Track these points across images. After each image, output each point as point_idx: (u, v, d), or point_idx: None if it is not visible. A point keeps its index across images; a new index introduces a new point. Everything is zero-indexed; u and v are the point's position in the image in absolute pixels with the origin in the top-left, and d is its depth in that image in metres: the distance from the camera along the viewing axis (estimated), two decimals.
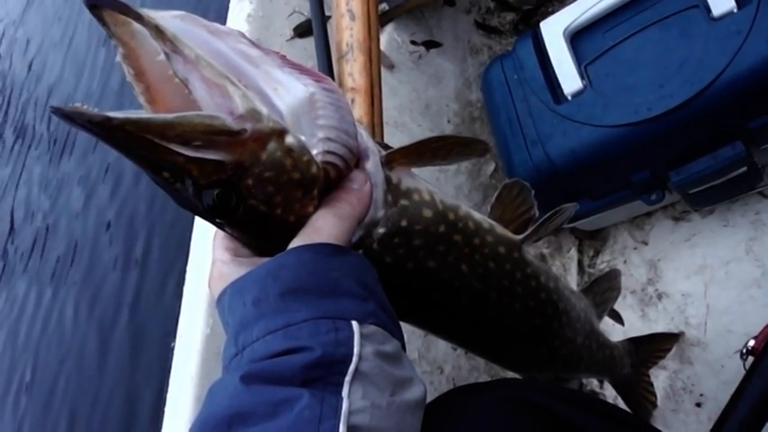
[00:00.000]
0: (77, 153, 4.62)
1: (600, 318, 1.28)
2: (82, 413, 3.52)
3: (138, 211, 3.81)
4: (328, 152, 0.73)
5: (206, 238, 1.44)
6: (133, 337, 3.40)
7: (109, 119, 0.61)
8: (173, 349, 1.49)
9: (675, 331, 1.68)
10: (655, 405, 1.54)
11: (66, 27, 5.50)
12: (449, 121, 2.12)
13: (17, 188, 5.27)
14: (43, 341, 4.11)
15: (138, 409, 3.14)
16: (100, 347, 3.60)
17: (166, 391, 1.45)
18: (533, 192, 1.01)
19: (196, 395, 1.38)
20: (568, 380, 1.24)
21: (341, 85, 1.35)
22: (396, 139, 1.91)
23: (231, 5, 1.87)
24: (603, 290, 1.31)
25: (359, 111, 1.33)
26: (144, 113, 0.67)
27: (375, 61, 1.39)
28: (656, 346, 1.54)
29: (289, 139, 0.70)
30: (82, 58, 5.03)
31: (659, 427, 1.60)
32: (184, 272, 1.54)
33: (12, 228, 5.07)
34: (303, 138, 0.72)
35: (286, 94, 0.72)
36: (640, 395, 1.49)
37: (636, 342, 1.47)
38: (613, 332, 1.61)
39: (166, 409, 1.43)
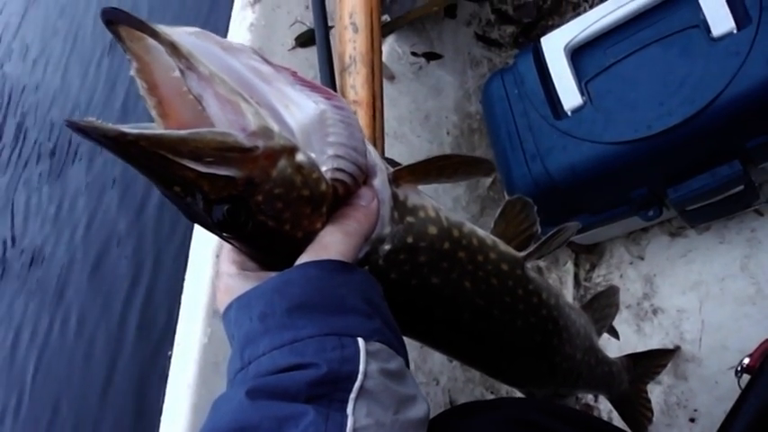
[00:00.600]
0: (77, 166, 4.60)
1: (599, 334, 1.28)
2: (79, 422, 3.51)
3: (136, 222, 3.80)
4: (338, 169, 0.74)
5: (204, 249, 1.44)
6: (130, 346, 3.39)
7: (123, 134, 0.62)
8: (170, 358, 1.49)
9: (670, 346, 1.69)
10: (651, 422, 1.55)
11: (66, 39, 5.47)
12: (448, 133, 2.13)
13: (15, 201, 5.25)
14: (39, 350, 4.10)
15: (135, 418, 3.12)
16: (97, 356, 3.59)
17: (163, 400, 1.45)
18: (536, 208, 1.02)
19: (193, 404, 1.38)
20: (566, 395, 1.24)
21: (343, 96, 1.36)
22: (395, 150, 1.92)
23: (233, 15, 1.87)
24: (603, 306, 1.31)
25: (360, 123, 1.33)
26: (156, 127, 0.67)
27: (377, 74, 1.39)
28: (653, 362, 1.55)
29: (299, 157, 0.71)
30: (85, 66, 5.01)
31: None
32: (182, 281, 1.54)
33: (12, 238, 5.04)
34: (313, 155, 0.72)
35: (297, 111, 0.72)
36: (638, 411, 1.50)
37: (634, 358, 1.48)
38: (609, 346, 1.61)
39: (163, 418, 1.43)
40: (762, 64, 1.37)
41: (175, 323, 1.52)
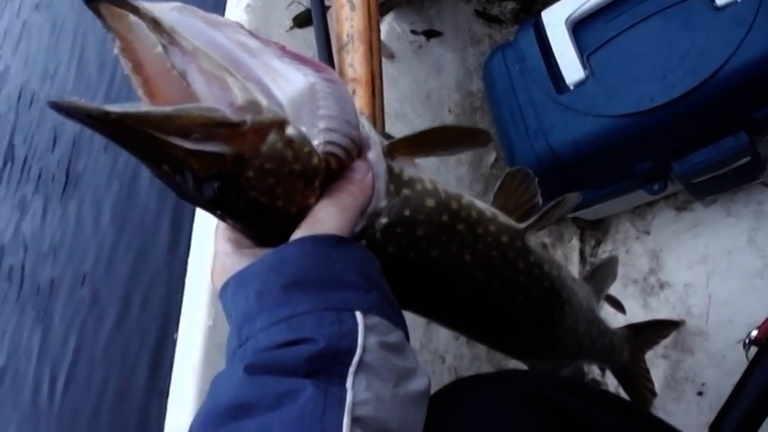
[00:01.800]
0: (85, 144, 4.60)
1: (597, 302, 1.28)
2: (85, 404, 3.53)
3: (139, 203, 3.80)
4: (329, 143, 0.73)
5: (207, 230, 1.44)
6: (135, 329, 3.40)
7: (107, 113, 0.61)
8: (175, 341, 1.49)
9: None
10: (653, 392, 1.54)
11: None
12: (450, 111, 2.11)
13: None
14: (43, 334, 4.12)
15: (142, 401, 3.14)
16: (102, 339, 3.61)
17: (169, 383, 1.45)
18: (537, 179, 1.01)
19: (199, 386, 1.38)
20: (567, 366, 1.24)
21: (342, 75, 1.35)
22: (396, 129, 1.89)
23: None
24: (603, 277, 1.31)
25: (360, 102, 1.32)
26: (143, 106, 0.66)
27: (376, 52, 1.38)
28: (654, 333, 1.55)
29: (289, 131, 0.69)
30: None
31: (660, 416, 1.61)
32: (186, 264, 1.54)
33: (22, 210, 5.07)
34: (304, 129, 0.71)
35: (286, 84, 0.71)
36: (638, 382, 1.49)
37: (634, 328, 1.48)
38: (615, 322, 1.61)
39: (170, 401, 1.43)
40: (766, 33, 1.35)
41: (180, 306, 1.53)
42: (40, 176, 5.00)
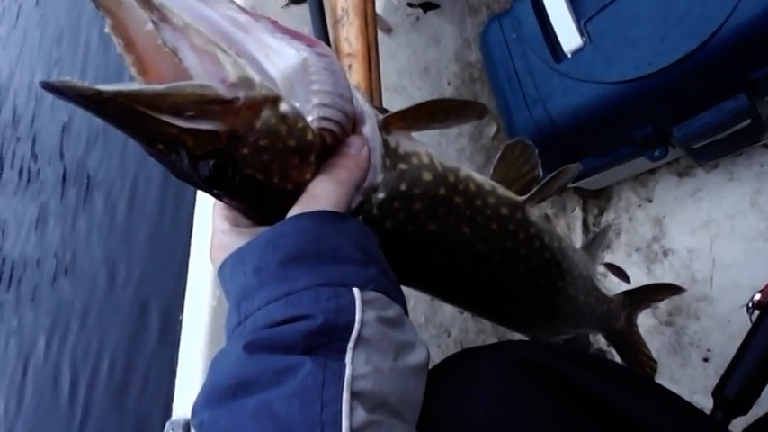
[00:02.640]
0: (82, 136, 4.59)
1: (594, 269, 1.29)
2: (93, 389, 3.56)
3: (141, 187, 3.80)
4: (324, 118, 0.73)
5: (208, 211, 1.43)
6: (140, 312, 3.43)
7: (99, 92, 0.61)
8: (180, 322, 1.50)
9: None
10: (650, 356, 1.52)
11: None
12: (449, 84, 2.10)
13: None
14: (48, 318, 4.15)
15: (149, 383, 3.17)
16: (108, 324, 3.63)
17: (176, 364, 1.46)
18: (537, 151, 1.00)
19: (205, 367, 1.39)
20: (568, 336, 1.25)
21: (337, 50, 1.34)
22: (395, 102, 1.88)
23: None
24: (599, 245, 1.32)
25: (356, 76, 1.32)
26: (136, 85, 0.66)
27: (371, 25, 1.37)
28: (647, 296, 1.54)
29: (283, 106, 0.69)
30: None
31: (667, 382, 1.61)
32: (189, 245, 1.54)
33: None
34: (297, 104, 0.71)
35: (278, 59, 0.71)
36: (634, 347, 1.49)
37: (629, 294, 1.48)
38: (619, 290, 1.61)
39: (177, 382, 1.44)
40: None
41: (184, 288, 1.53)
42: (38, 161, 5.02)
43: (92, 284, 3.88)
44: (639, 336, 1.51)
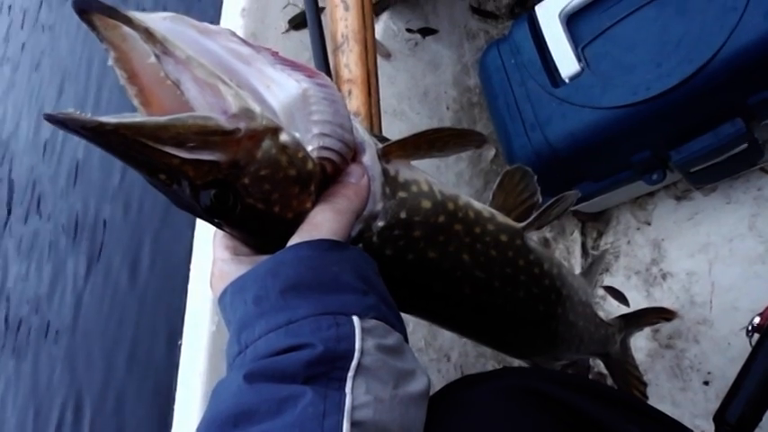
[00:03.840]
0: (88, 156, 4.59)
1: (592, 294, 1.29)
2: (91, 412, 3.54)
3: (141, 210, 3.80)
4: (324, 147, 0.73)
5: (208, 236, 1.43)
6: (140, 336, 3.42)
7: (102, 124, 0.61)
8: (179, 347, 1.50)
9: (681, 310, 1.68)
10: (641, 380, 1.52)
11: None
12: (448, 108, 2.12)
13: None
14: (48, 342, 4.14)
15: (148, 408, 3.15)
16: (108, 347, 3.62)
17: (175, 389, 1.46)
18: (536, 177, 1.01)
19: (205, 392, 1.39)
20: (567, 362, 1.25)
21: (337, 76, 1.35)
22: (395, 127, 1.91)
23: (225, 1, 1.86)
24: (595, 270, 1.32)
25: (356, 102, 1.33)
26: (139, 116, 0.67)
27: (371, 51, 1.38)
28: (642, 320, 1.55)
29: (283, 137, 0.70)
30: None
31: (668, 406, 1.61)
32: (188, 270, 1.55)
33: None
34: (298, 134, 0.72)
35: (279, 90, 0.71)
36: (627, 371, 1.49)
37: (625, 318, 1.48)
38: (618, 313, 1.61)
39: (176, 407, 1.44)
40: (759, 18, 1.35)
41: (183, 312, 1.53)
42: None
43: (92, 310, 3.87)
44: (633, 359, 1.52)
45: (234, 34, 0.72)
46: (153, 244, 3.60)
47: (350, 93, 1.34)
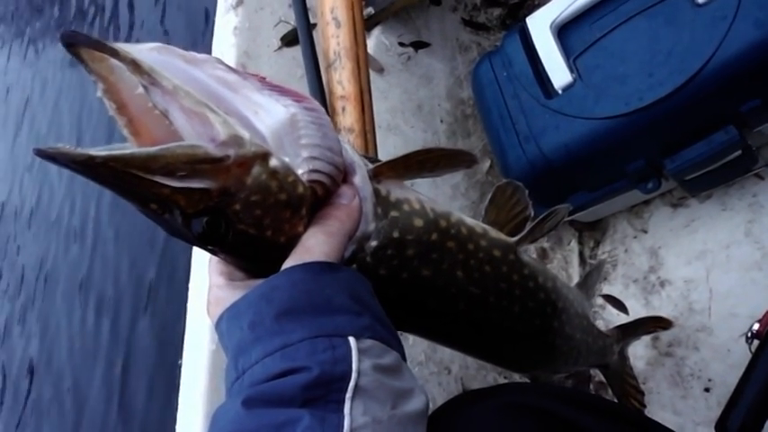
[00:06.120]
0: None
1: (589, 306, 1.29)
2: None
3: (139, 233, 3.80)
4: (314, 171, 0.73)
5: (205, 257, 1.44)
6: (139, 357, 3.41)
7: (92, 157, 0.62)
8: (180, 367, 1.49)
9: (680, 318, 1.68)
10: (639, 390, 1.52)
11: None
12: (442, 121, 2.12)
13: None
14: (47, 364, 4.13)
15: (150, 427, 3.15)
16: (107, 369, 3.61)
17: (176, 410, 1.46)
18: (527, 191, 1.01)
19: (206, 412, 1.39)
20: (566, 374, 1.25)
21: (331, 93, 1.35)
22: (389, 141, 1.92)
23: (217, 20, 1.86)
24: (595, 282, 1.32)
25: (350, 118, 1.33)
26: (128, 148, 0.67)
27: (363, 68, 1.38)
28: (639, 330, 1.54)
29: (273, 162, 0.70)
30: None
31: (669, 414, 1.61)
32: (186, 290, 1.55)
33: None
34: (287, 159, 0.72)
35: (267, 116, 0.72)
36: (626, 381, 1.49)
37: (622, 328, 1.48)
38: (617, 322, 1.61)
39: (177, 427, 1.43)
40: (749, 26, 1.36)
41: (183, 332, 1.53)
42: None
43: (92, 334, 3.87)
44: (631, 368, 1.52)
45: (220, 62, 0.73)
46: (154, 265, 3.60)
47: (343, 109, 1.34)
